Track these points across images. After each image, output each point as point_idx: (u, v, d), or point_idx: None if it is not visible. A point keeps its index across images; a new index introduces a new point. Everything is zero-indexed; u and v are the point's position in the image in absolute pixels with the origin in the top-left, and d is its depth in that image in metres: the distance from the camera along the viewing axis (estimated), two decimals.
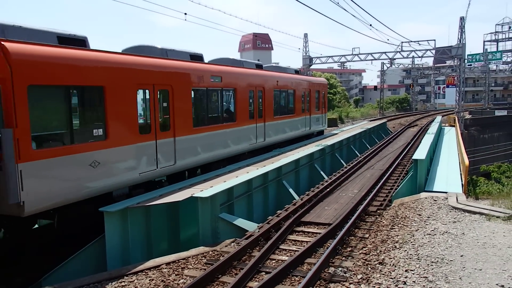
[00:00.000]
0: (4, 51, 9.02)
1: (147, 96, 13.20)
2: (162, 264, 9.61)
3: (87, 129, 11.42)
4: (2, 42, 9.13)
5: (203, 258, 9.99)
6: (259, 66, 23.03)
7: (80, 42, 11.69)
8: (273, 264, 9.55)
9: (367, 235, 11.21)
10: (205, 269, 9.09)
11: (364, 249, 10.13)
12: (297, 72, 29.19)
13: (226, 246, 10.72)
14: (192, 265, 9.60)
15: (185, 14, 24.57)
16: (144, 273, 9.21)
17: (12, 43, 9.38)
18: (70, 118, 10.75)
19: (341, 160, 24.09)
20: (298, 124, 26.48)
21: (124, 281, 8.86)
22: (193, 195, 11.60)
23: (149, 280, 8.85)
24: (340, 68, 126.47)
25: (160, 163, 13.64)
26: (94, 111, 11.82)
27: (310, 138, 28.87)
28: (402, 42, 45.67)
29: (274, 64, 26.62)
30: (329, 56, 49.88)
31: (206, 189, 12.13)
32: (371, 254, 9.71)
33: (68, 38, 11.46)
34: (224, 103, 18.45)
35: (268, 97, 21.86)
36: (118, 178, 12.01)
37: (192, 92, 15.54)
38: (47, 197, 10.00)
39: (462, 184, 15.58)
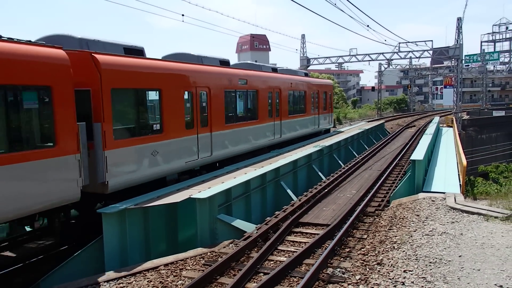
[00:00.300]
0: (95, 61, 11.41)
1: (191, 97, 15.49)
2: (160, 265, 9.60)
3: (150, 124, 13.86)
4: (94, 54, 11.46)
5: (202, 259, 9.98)
6: (274, 70, 24.98)
7: (139, 52, 13.93)
8: (272, 265, 9.55)
9: (365, 236, 11.22)
10: (203, 270, 9.09)
11: (362, 249, 10.13)
12: (306, 74, 31.06)
13: (224, 247, 10.71)
14: (191, 266, 9.59)
15: (183, 15, 24.56)
16: (142, 275, 9.20)
17: (100, 55, 11.63)
18: (138, 115, 13.42)
19: (339, 161, 24.10)
20: (308, 123, 28.30)
21: (122, 283, 8.85)
22: (191, 196, 11.58)
23: (147, 281, 8.83)
24: (337, 69, 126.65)
25: (200, 154, 15.88)
26: (154, 109, 14.22)
27: (318, 135, 30.30)
28: (400, 43, 45.79)
29: (286, 68, 27.97)
30: (327, 57, 49.95)
31: (204, 190, 12.12)
32: (369, 254, 9.71)
33: (131, 48, 13.62)
34: (248, 103, 20.75)
35: (284, 98, 23.98)
36: (171, 165, 14.30)
37: (224, 93, 17.68)
38: (123, 178, 12.25)
39: (460, 184, 15.60)
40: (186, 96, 15.11)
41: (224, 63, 18.89)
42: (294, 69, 29.91)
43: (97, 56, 11.52)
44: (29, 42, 9.97)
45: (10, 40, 9.48)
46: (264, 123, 21.51)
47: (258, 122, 20.75)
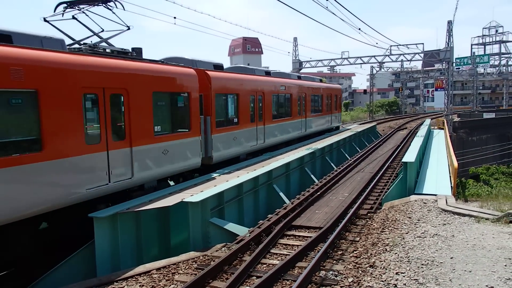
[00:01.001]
0: (207, 76, 17.15)
1: (253, 99, 21.18)
2: (153, 270, 9.56)
3: (232, 118, 19.42)
4: (206, 71, 17.26)
5: (194, 263, 9.95)
6: (299, 77, 30.50)
7: (221, 67, 19.31)
8: (264, 268, 9.54)
9: (357, 238, 11.24)
10: (195, 274, 9.06)
11: (355, 252, 10.15)
12: (320, 80, 36.68)
13: (217, 250, 10.68)
14: (183, 270, 9.56)
15: (174, 18, 24.60)
16: (134, 279, 9.15)
17: (210, 71, 17.53)
18: (226, 111, 19.07)
19: (332, 164, 24.15)
20: (324, 120, 34.14)
21: (114, 287, 8.80)
22: (184, 200, 11.56)
23: (139, 286, 8.79)
24: (329, 72, 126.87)
25: (259, 140, 21.80)
26: (234, 108, 19.65)
27: (331, 131, 35.65)
28: (391, 46, 46.07)
29: (304, 74, 34.56)
30: (319, 60, 50.13)
31: (197, 194, 12.10)
32: (362, 257, 9.73)
33: (217, 65, 19.09)
34: (286, 104, 25.98)
35: (308, 100, 29.68)
36: (243, 147, 20.12)
37: (272, 96, 23.38)
38: (220, 154, 17.93)
39: (451, 186, 15.67)
40: (251, 99, 20.90)
41: (268, 73, 25.18)
42: (311, 76, 35.70)
43: (208, 72, 17.33)
44: (176, 64, 15.16)
45: (171, 64, 14.89)
46: (296, 119, 27.19)
47: (292, 119, 26.50)
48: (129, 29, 14.29)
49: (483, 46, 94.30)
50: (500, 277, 8.06)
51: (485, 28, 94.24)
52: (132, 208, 11.07)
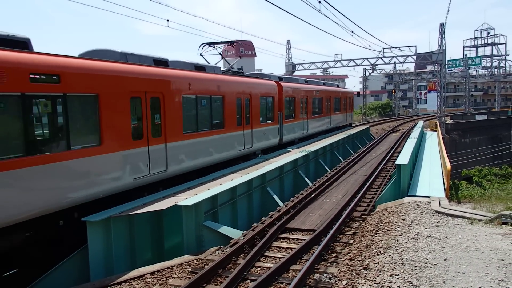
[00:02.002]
0: (278, 85, 24.76)
1: (305, 100, 29.99)
2: (146, 274, 9.53)
3: (292, 114, 27.30)
4: (279, 82, 25.18)
5: (188, 266, 9.93)
6: (324, 84, 38.48)
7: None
8: (258, 271, 9.53)
9: (351, 241, 11.26)
10: (189, 278, 9.03)
11: (348, 254, 10.17)
12: (337, 86, 47.77)
13: (210, 254, 10.66)
14: (177, 274, 9.53)
15: (167, 20, 24.60)
16: (128, 283, 9.12)
17: (282, 82, 26.11)
18: (290, 109, 26.56)
19: (325, 166, 24.18)
20: (342, 117, 42.27)
21: None
22: (177, 203, 11.52)
23: None
24: (322, 74, 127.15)
25: (306, 130, 30.11)
26: (293, 107, 27.72)
27: (345, 127, 42.98)
28: (384, 48, 46.21)
29: (329, 81, 45.17)
30: (312, 63, 50.24)
31: (190, 197, 12.07)
32: (355, 259, 9.74)
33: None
34: (319, 105, 33.92)
35: (332, 102, 37.56)
36: (296, 134, 28.21)
37: (307, 99, 30.40)
38: (286, 137, 25.97)
39: (444, 188, 15.73)
40: (302, 100, 29.06)
41: (308, 81, 34.04)
42: (332, 82, 47.38)
43: (281, 82, 25.67)
44: (268, 78, 24.49)
45: (265, 78, 23.66)
46: (325, 116, 35.46)
47: (323, 116, 34.83)
48: (240, 58, 29.33)
49: (475, 48, 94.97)
50: (493, 279, 8.09)
51: (477, 30, 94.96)
52: (126, 212, 11.03)
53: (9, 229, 9.56)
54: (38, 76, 10.11)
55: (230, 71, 22.46)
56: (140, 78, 13.49)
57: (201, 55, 22.08)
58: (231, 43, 23.46)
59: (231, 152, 19.28)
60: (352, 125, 48.78)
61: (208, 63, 20.51)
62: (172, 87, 14.91)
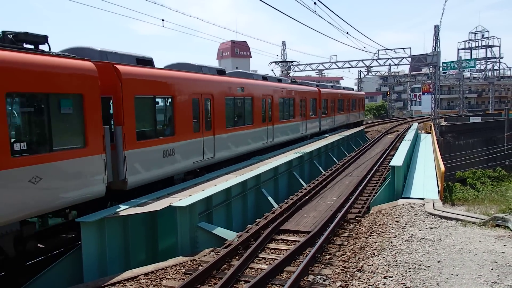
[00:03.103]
0: (318, 90, 34.65)
1: (332, 101, 38.26)
2: (140, 275, 9.50)
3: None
4: (319, 88, 34.91)
5: (182, 268, 9.91)
6: (344, 88, 48.36)
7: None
8: (253, 273, 9.53)
9: (346, 243, 11.27)
10: (183, 279, 9.02)
11: (343, 256, 10.18)
12: (352, 89, 54.42)
13: (205, 255, 10.65)
14: (171, 275, 9.51)
15: (163, 20, 24.56)
16: (121, 285, 9.09)
17: (319, 88, 35.46)
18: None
19: (320, 168, 24.20)
20: (357, 115, 51.53)
21: None
22: (172, 204, 11.50)
23: None
24: (318, 75, 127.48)
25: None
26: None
27: (359, 124, 51.67)
28: (379, 50, 46.26)
29: (344, 86, 51.55)
30: (307, 64, 50.22)
31: (185, 198, 12.05)
32: (350, 261, 9.75)
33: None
34: (342, 105, 42.26)
35: (350, 103, 46.64)
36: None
37: (338, 101, 38.83)
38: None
39: (438, 190, 15.77)
40: (332, 100, 36.99)
41: (321, 86, 39.66)
42: (350, 86, 56.44)
43: (319, 88, 34.07)
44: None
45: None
46: (345, 114, 44.30)
47: (344, 113, 43.69)
48: (289, 70, 46.66)
49: (469, 51, 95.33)
50: (486, 281, 8.12)
51: (471, 32, 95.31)
52: (120, 213, 11.00)
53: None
54: None
55: (294, 81, 33.43)
56: (204, 85, 17.52)
57: (272, 70, 32.32)
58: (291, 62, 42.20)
59: (296, 134, 29.42)
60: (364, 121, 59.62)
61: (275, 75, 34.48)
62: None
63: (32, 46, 10.96)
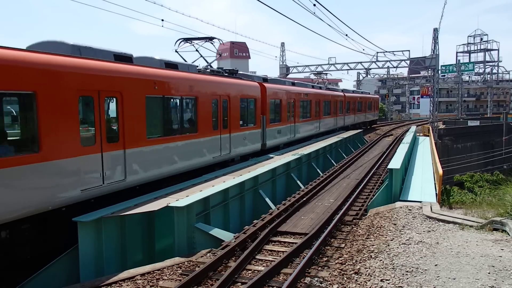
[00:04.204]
0: (343, 94, 43.41)
1: (353, 103, 47.36)
2: (137, 275, 9.47)
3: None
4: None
5: (179, 269, 9.88)
6: (362, 92, 55.40)
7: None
8: (249, 274, 9.50)
9: (343, 245, 11.25)
10: (180, 280, 8.99)
11: (340, 259, 10.16)
12: (369, 93, 62.88)
13: (202, 256, 10.62)
14: (167, 276, 9.48)
15: (162, 20, 24.49)
16: (118, 285, 9.06)
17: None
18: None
19: (318, 170, 24.19)
20: (373, 114, 60.64)
21: None
22: (169, 205, 11.47)
23: None
24: (316, 77, 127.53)
25: (354, 121, 48.45)
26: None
27: (374, 123, 62.95)
28: (378, 52, 46.41)
29: (359, 90, 61.42)
30: (306, 66, 50.33)
31: (182, 199, 12.02)
32: (347, 264, 9.73)
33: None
34: (359, 106, 49.14)
35: (366, 105, 54.56)
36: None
37: (357, 103, 49.44)
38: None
39: (436, 193, 15.78)
40: (353, 102, 46.56)
41: (341, 91, 46.26)
42: (367, 91, 65.99)
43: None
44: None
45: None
46: (362, 113, 52.63)
47: (362, 113, 51.92)
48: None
49: (468, 54, 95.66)
50: (483, 285, 8.11)
51: (470, 36, 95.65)
52: (117, 213, 10.97)
53: None
54: None
55: (325, 87, 40.39)
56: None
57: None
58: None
59: (331, 127, 39.39)
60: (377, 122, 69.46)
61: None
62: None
63: None
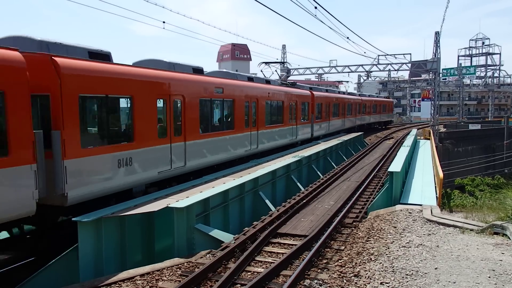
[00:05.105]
0: (361, 98, 54.71)
1: (370, 106, 57.58)
2: (136, 276, 9.46)
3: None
4: (361, 97, 53.93)
5: (178, 269, 9.87)
6: (378, 96, 69.70)
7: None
8: (249, 276, 9.49)
9: (342, 247, 11.24)
10: (179, 281, 8.98)
11: (339, 261, 10.14)
12: (386, 97, 78.23)
13: (201, 257, 10.61)
14: (167, 277, 9.47)
15: (163, 22, 24.52)
16: (117, 285, 9.05)
17: (361, 97, 55.76)
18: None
19: (318, 172, 24.15)
20: (388, 116, 70.02)
21: None
22: (169, 206, 11.47)
23: None
24: (317, 80, 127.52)
25: (374, 120, 60.49)
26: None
27: (390, 123, 73.11)
28: (379, 55, 46.28)
29: (381, 95, 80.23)
30: (307, 68, 50.24)
31: (182, 200, 12.01)
32: (346, 266, 9.72)
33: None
34: (377, 108, 60.85)
35: (381, 108, 64.32)
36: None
37: (373, 106, 58.70)
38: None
39: (436, 196, 15.76)
40: (370, 105, 57.09)
41: (352, 93, 55.79)
42: (382, 96, 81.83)
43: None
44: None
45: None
46: (378, 114, 62.14)
47: (378, 114, 62.08)
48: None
49: (469, 58, 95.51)
50: None
51: (472, 39, 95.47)
52: (117, 213, 10.95)
53: None
54: None
55: (346, 93, 49.37)
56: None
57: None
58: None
59: (354, 125, 47.81)
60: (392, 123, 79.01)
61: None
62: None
63: None
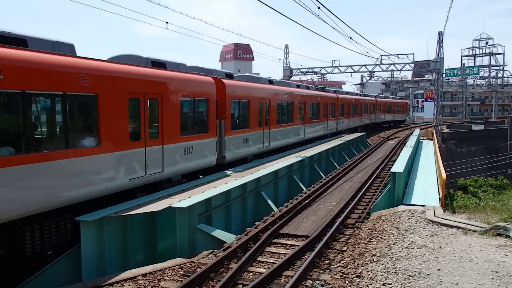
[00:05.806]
0: (376, 99, 60.31)
1: (385, 106, 65.75)
2: (138, 276, 9.46)
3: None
4: (377, 98, 61.60)
5: (180, 269, 9.87)
6: (393, 98, 79.47)
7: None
8: (251, 276, 9.48)
9: (345, 248, 11.22)
10: (181, 281, 8.97)
11: (342, 262, 10.12)
12: (401, 98, 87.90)
13: (203, 257, 10.61)
14: (169, 276, 9.47)
15: (167, 22, 24.65)
16: (119, 285, 9.05)
17: (377, 98, 62.31)
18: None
19: (320, 172, 24.13)
20: (402, 116, 78.50)
21: None
22: (171, 205, 11.47)
23: None
24: (320, 80, 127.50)
25: (388, 119, 68.30)
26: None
27: (403, 122, 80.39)
28: (382, 55, 46.28)
29: (396, 97, 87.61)
30: (309, 68, 50.19)
31: (184, 200, 12.01)
32: (348, 267, 9.70)
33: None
34: (391, 108, 69.09)
35: (396, 108, 73.36)
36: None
37: (388, 106, 67.76)
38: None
39: (439, 197, 15.72)
40: (385, 106, 65.30)
41: (364, 95, 60.54)
42: (397, 98, 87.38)
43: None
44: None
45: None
46: (392, 113, 69.84)
47: (391, 113, 69.74)
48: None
49: (473, 58, 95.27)
50: None
51: (475, 40, 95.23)
52: (119, 213, 10.96)
53: None
54: None
55: (362, 95, 53.59)
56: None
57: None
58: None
59: (369, 122, 55.17)
60: (405, 122, 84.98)
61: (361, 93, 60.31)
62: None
63: None
